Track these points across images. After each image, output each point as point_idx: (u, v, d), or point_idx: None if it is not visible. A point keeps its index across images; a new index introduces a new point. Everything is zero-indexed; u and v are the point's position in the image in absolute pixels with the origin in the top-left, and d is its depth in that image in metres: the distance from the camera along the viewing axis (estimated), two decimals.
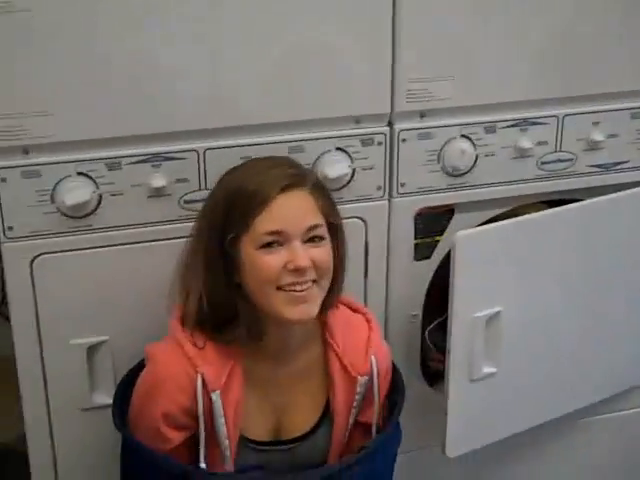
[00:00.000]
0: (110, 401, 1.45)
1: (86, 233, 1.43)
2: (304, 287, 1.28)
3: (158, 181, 1.42)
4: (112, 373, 1.51)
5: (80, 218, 1.42)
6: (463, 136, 1.57)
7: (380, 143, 1.52)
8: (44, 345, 1.47)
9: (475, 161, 1.58)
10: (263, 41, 1.41)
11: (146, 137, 1.41)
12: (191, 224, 1.39)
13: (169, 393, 1.30)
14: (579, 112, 1.62)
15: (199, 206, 1.40)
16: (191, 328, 1.33)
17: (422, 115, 1.54)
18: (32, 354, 1.47)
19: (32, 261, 1.42)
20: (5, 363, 1.53)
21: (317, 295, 1.30)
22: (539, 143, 1.61)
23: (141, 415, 1.35)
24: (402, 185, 1.56)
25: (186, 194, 1.45)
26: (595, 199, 1.64)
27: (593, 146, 1.64)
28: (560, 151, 1.63)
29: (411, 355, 1.69)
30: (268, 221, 1.27)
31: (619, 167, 1.68)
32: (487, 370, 1.58)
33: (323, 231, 1.31)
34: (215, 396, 1.30)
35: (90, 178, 1.40)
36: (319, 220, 1.30)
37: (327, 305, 1.36)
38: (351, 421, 1.42)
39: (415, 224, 1.60)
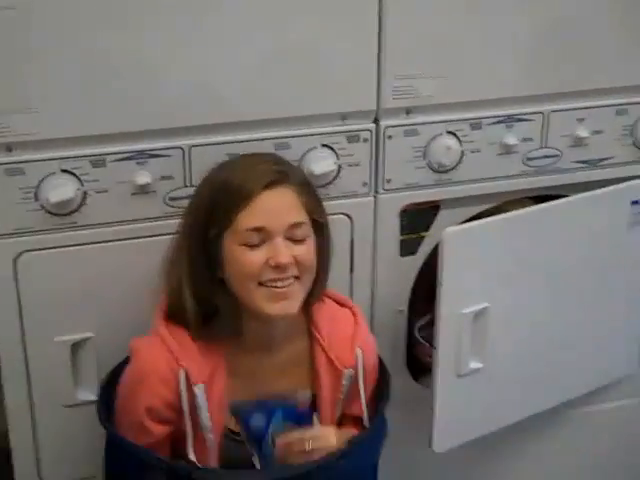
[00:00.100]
0: (94, 398, 1.46)
1: (70, 230, 1.42)
2: (285, 283, 1.29)
3: (143, 178, 1.41)
4: (96, 370, 1.51)
5: (64, 215, 1.41)
6: (449, 132, 1.57)
7: (366, 140, 1.52)
8: (28, 342, 1.47)
9: (461, 157, 1.59)
10: (249, 38, 1.40)
11: (131, 134, 1.40)
12: (176, 221, 1.39)
13: (153, 387, 1.31)
14: (564, 108, 1.62)
15: (184, 203, 1.40)
16: (174, 323, 1.34)
17: (408, 112, 1.54)
18: (16, 351, 1.46)
19: (16, 259, 1.41)
20: None
21: (298, 291, 1.31)
22: (524, 139, 1.61)
23: (125, 409, 1.36)
24: (388, 181, 1.56)
25: (171, 191, 1.45)
26: (581, 195, 1.65)
27: (578, 142, 1.64)
28: (545, 147, 1.64)
29: (397, 350, 1.69)
30: (250, 217, 1.27)
31: (604, 163, 1.69)
32: (474, 365, 1.59)
33: (306, 229, 1.31)
34: (198, 390, 1.31)
35: (74, 175, 1.39)
36: (302, 217, 1.30)
37: (311, 300, 1.36)
38: (337, 414, 1.43)
39: (401, 220, 1.60)
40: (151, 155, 1.42)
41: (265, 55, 1.42)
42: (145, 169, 1.42)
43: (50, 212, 1.40)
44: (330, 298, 1.44)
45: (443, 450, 1.62)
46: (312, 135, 1.49)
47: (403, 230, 1.61)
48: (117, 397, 1.38)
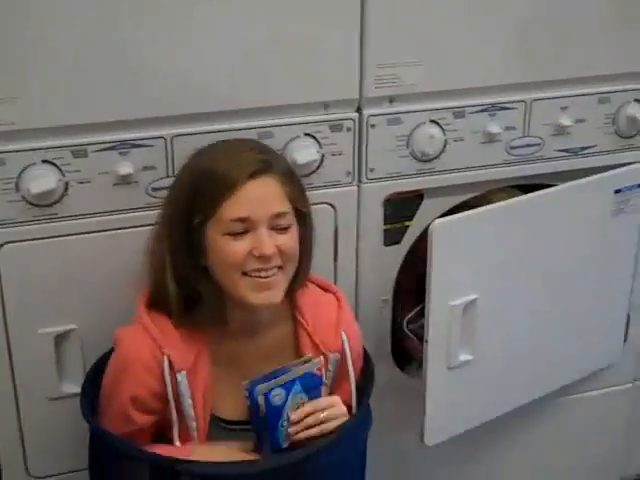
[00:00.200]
0: (79, 390, 1.45)
1: (52, 222, 1.41)
2: (269, 273, 1.29)
3: (125, 169, 1.41)
4: (81, 362, 1.50)
5: (46, 206, 1.40)
6: (432, 121, 1.57)
7: (349, 129, 1.52)
8: (11, 335, 1.46)
9: (444, 146, 1.59)
10: (232, 28, 1.40)
11: (112, 124, 1.40)
12: (159, 212, 1.38)
13: (137, 375, 1.31)
14: (547, 97, 1.62)
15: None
16: (157, 311, 1.34)
17: (391, 100, 1.54)
18: None
19: None
20: None
21: (281, 281, 1.32)
22: (507, 128, 1.61)
23: (110, 399, 1.36)
24: (371, 171, 1.56)
25: (154, 181, 1.44)
26: (567, 184, 1.65)
27: (561, 131, 1.65)
28: (528, 136, 1.64)
29: (382, 339, 1.69)
30: (235, 207, 1.27)
31: (587, 152, 1.69)
32: (464, 358, 1.59)
33: (290, 218, 1.31)
34: (181, 377, 1.31)
35: (55, 166, 1.39)
36: (286, 207, 1.30)
37: (294, 287, 1.37)
38: None
39: (384, 209, 1.60)
40: (133, 145, 1.41)
41: (247, 44, 1.41)
42: (127, 159, 1.41)
43: (31, 203, 1.39)
44: (313, 283, 1.44)
45: (434, 443, 1.62)
46: (295, 124, 1.49)
47: (387, 219, 1.61)
48: (102, 387, 1.37)
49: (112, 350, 1.38)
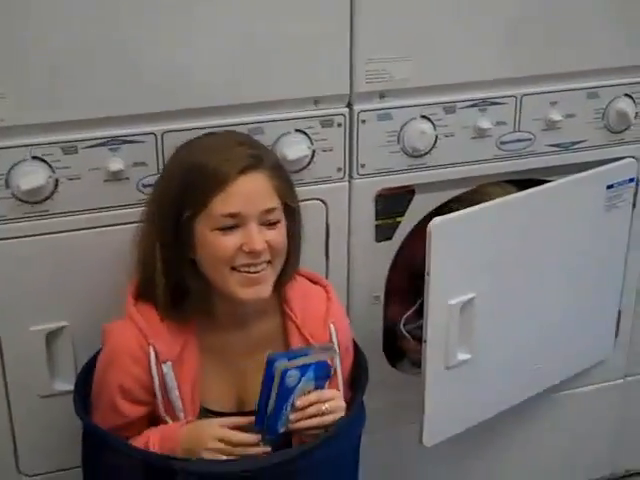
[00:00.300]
0: (71, 388, 1.44)
1: (43, 219, 1.41)
2: (258, 268, 1.30)
3: (115, 165, 1.41)
4: (72, 359, 1.50)
5: (36, 203, 1.40)
6: (423, 117, 1.57)
7: (340, 124, 1.52)
8: (2, 332, 1.46)
9: (435, 142, 1.59)
10: (222, 23, 1.40)
11: (103, 120, 1.39)
12: (146, 204, 1.37)
13: (124, 365, 1.31)
14: (537, 92, 1.62)
15: None
16: (145, 303, 1.34)
17: (381, 96, 1.54)
18: None
19: None
20: None
21: (270, 276, 1.32)
22: (498, 123, 1.61)
23: (99, 392, 1.36)
24: (362, 166, 1.56)
25: (144, 178, 1.44)
26: (561, 180, 1.65)
27: (551, 126, 1.65)
28: (519, 131, 1.64)
29: (374, 336, 1.69)
30: (225, 203, 1.27)
31: (577, 146, 1.69)
32: (462, 357, 1.58)
33: (279, 213, 1.31)
34: (167, 368, 1.31)
35: (45, 162, 1.38)
36: (275, 203, 1.31)
37: (283, 281, 1.37)
38: None
39: (376, 205, 1.60)
40: (123, 141, 1.41)
41: (238, 40, 1.41)
42: (117, 155, 1.41)
43: (21, 200, 1.39)
44: (302, 276, 1.44)
45: (433, 444, 1.61)
46: (285, 120, 1.49)
47: (378, 215, 1.61)
48: (94, 382, 1.37)
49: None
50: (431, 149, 1.59)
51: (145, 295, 1.34)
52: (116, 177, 1.42)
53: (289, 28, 1.43)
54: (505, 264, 1.60)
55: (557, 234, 1.67)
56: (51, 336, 1.48)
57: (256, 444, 1.29)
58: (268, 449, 1.29)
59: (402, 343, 1.74)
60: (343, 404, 1.34)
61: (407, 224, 1.63)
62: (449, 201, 1.64)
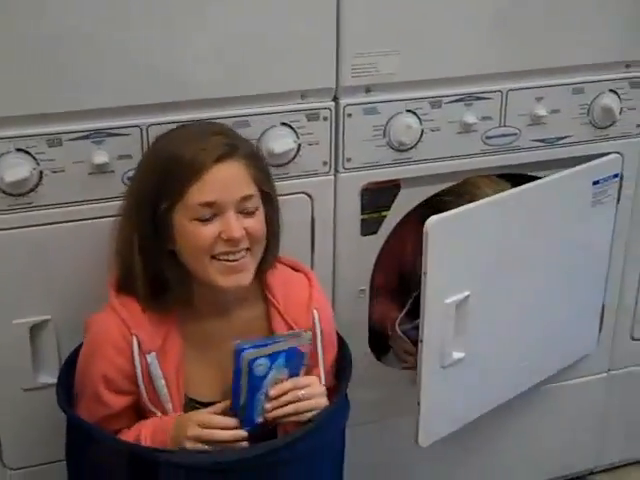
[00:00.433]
0: (54, 380, 1.44)
1: (27, 211, 1.40)
2: (237, 257, 1.30)
3: (100, 157, 1.40)
4: (56, 352, 1.50)
5: (20, 196, 1.39)
6: (409, 111, 1.57)
7: (325, 118, 1.52)
8: None
9: (421, 136, 1.59)
10: (208, 17, 1.39)
11: (87, 112, 1.39)
12: (125, 196, 1.37)
13: (107, 356, 1.32)
14: (522, 87, 1.63)
15: None
16: (126, 295, 1.34)
17: (368, 90, 1.54)
18: None
19: None
20: None
21: (250, 263, 1.32)
22: (483, 118, 1.62)
23: (83, 383, 1.36)
24: (348, 160, 1.56)
25: (129, 171, 1.43)
26: (550, 177, 1.65)
27: (536, 121, 1.66)
28: (504, 126, 1.65)
29: (359, 329, 1.69)
30: (202, 192, 1.27)
31: (562, 142, 1.70)
32: (456, 356, 1.58)
33: (256, 201, 1.32)
34: (150, 358, 1.32)
35: (30, 155, 1.38)
36: (252, 190, 1.31)
37: (263, 268, 1.37)
38: None
39: (361, 199, 1.60)
40: (108, 134, 1.40)
41: (224, 32, 1.41)
42: (102, 148, 1.41)
43: (5, 192, 1.38)
44: (284, 264, 1.45)
45: (428, 444, 1.61)
46: (271, 113, 1.48)
47: (364, 209, 1.61)
48: (77, 373, 1.37)
49: None
50: (417, 143, 1.59)
51: (125, 287, 1.34)
52: (101, 170, 1.41)
53: (276, 22, 1.43)
54: (497, 261, 1.61)
55: (546, 231, 1.67)
56: (35, 329, 1.47)
57: (235, 427, 1.28)
58: (245, 434, 1.28)
59: (397, 344, 1.75)
60: (322, 389, 1.34)
61: (393, 218, 1.63)
62: (435, 195, 1.64)
